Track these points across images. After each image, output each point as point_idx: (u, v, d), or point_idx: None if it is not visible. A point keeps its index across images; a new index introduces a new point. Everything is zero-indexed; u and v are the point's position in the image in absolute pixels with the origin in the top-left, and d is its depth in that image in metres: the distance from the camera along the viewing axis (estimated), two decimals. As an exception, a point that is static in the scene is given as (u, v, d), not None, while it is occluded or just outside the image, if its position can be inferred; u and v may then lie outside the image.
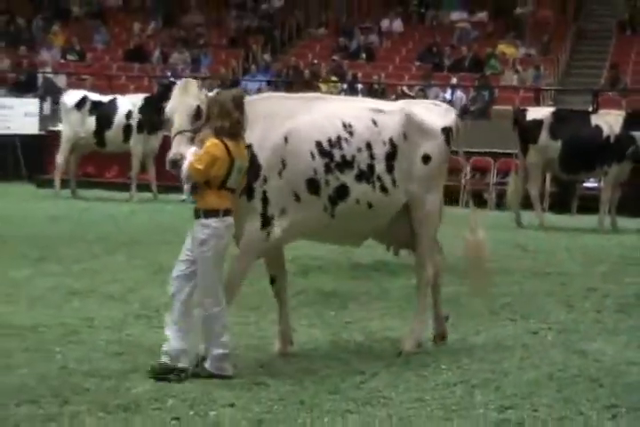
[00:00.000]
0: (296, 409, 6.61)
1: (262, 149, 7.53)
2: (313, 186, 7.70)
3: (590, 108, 21.26)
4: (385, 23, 30.53)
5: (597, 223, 17.17)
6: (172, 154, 7.23)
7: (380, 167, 7.94)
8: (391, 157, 8.01)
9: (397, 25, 30.50)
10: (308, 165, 7.68)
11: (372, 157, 7.92)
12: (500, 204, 19.66)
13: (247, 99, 7.71)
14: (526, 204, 17.60)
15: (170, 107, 7.42)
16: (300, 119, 7.74)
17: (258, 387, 7.09)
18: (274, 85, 27.11)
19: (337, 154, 7.77)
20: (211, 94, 7.46)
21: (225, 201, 7.21)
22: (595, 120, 17.63)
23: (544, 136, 17.51)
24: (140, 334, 8.55)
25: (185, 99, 7.37)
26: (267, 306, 9.74)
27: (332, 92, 25.01)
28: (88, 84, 25.29)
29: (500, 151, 20.94)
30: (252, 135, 7.45)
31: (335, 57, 28.33)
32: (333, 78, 26.93)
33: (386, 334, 8.86)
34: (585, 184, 20.05)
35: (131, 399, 6.69)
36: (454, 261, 12.89)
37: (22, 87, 26.78)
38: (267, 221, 7.56)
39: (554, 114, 17.84)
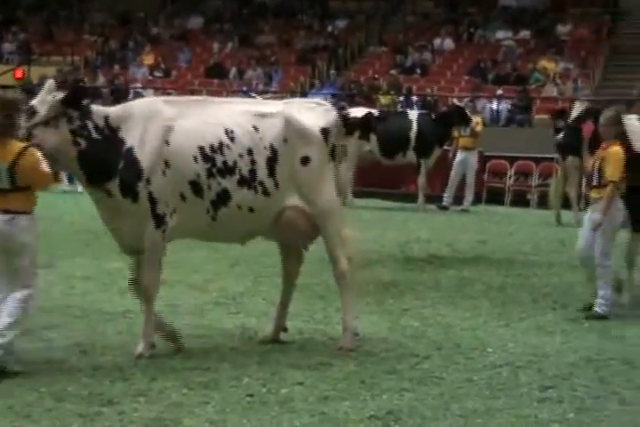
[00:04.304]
0: (358, 387, 6.59)
1: (143, 151, 7.07)
2: (196, 188, 7.19)
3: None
4: (437, 42, 30.39)
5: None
6: None
7: (261, 172, 7.35)
8: (272, 161, 7.39)
9: (448, 43, 30.35)
10: (191, 168, 7.16)
11: (253, 162, 7.33)
12: (542, 203, 19.51)
13: (128, 103, 7.50)
14: (565, 204, 17.43)
15: None
16: (182, 123, 7.21)
17: (324, 367, 7.08)
18: (338, 98, 27.13)
19: (219, 159, 7.23)
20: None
21: None
22: None
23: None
24: (219, 319, 8.59)
25: None
26: (332, 295, 9.74)
27: (389, 105, 25.11)
28: (173, 98, 25.42)
29: (542, 156, 20.77)
30: (131, 139, 7.10)
31: (392, 72, 28.28)
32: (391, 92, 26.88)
33: (438, 320, 8.80)
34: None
35: (210, 377, 6.71)
36: (502, 254, 12.88)
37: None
38: (160, 221, 7.13)
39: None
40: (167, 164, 7.13)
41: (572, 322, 8.88)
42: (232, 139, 7.32)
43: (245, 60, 30.10)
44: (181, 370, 6.89)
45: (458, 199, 19.38)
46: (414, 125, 18.69)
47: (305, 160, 7.50)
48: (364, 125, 18.85)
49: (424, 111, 20.50)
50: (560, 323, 8.82)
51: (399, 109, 23.56)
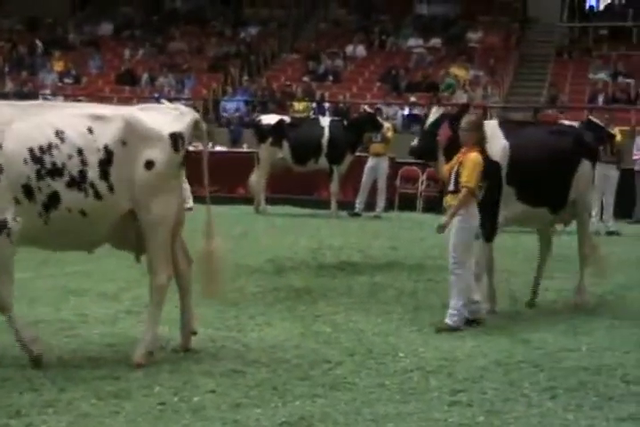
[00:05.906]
0: (270, 394, 6.60)
1: None
2: (28, 191, 7.03)
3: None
4: (349, 49, 30.60)
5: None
6: None
7: (93, 174, 7.15)
8: (106, 163, 7.19)
9: (360, 50, 30.58)
10: (22, 171, 7.00)
11: (84, 163, 7.15)
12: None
13: None
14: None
15: None
16: (15, 126, 7.06)
17: (236, 374, 7.07)
18: (251, 105, 27.20)
19: (48, 161, 7.07)
20: None
21: None
22: None
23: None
24: (131, 327, 8.50)
25: None
26: (245, 302, 9.76)
27: (304, 111, 25.20)
28: (83, 105, 25.11)
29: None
30: None
31: (305, 79, 28.39)
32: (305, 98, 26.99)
33: (350, 326, 8.84)
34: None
35: (121, 387, 6.65)
36: (414, 260, 12.99)
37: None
38: (0, 227, 6.98)
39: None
40: (1, 168, 6.99)
41: (482, 326, 8.99)
42: (62, 139, 7.17)
43: (157, 67, 29.92)
44: (91, 380, 6.81)
45: (370, 206, 19.51)
46: (326, 132, 18.79)
47: (149, 164, 7.32)
48: (276, 132, 18.96)
49: (336, 118, 20.59)
50: (470, 327, 8.92)
51: (311, 116, 23.65)
